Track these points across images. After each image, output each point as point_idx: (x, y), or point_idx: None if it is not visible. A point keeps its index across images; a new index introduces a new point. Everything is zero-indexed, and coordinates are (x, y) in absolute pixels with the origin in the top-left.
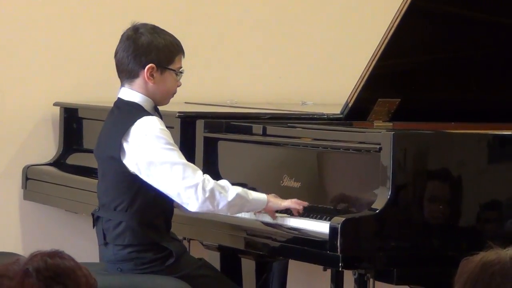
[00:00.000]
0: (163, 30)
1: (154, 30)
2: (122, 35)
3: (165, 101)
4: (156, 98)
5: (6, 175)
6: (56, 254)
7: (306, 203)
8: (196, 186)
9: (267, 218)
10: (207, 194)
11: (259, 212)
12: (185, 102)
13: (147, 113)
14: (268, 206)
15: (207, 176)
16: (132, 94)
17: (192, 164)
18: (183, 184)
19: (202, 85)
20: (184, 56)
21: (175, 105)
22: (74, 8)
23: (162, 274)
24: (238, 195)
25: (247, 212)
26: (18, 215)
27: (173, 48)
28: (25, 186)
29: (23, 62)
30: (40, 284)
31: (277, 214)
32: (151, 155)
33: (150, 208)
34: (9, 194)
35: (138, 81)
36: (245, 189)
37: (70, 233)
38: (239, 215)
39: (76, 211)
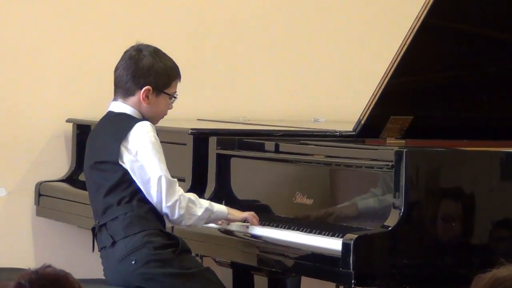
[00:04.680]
0: (164, 54)
1: (156, 53)
2: (125, 53)
3: (154, 121)
4: (146, 117)
5: (19, 191)
6: (45, 266)
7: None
8: (175, 203)
9: (278, 235)
10: (182, 211)
11: (220, 222)
12: (198, 119)
13: (140, 119)
14: (228, 217)
15: (182, 191)
16: (123, 107)
17: (173, 180)
18: (165, 201)
19: (214, 102)
20: (180, 81)
21: (188, 122)
22: (87, 24)
23: (174, 264)
24: (206, 209)
25: (210, 223)
26: (30, 231)
27: (171, 73)
28: (37, 202)
29: (36, 78)
30: None
31: (291, 231)
32: (144, 166)
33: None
34: (22, 210)
35: (133, 99)
36: (209, 201)
37: (82, 249)
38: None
39: (89, 227)
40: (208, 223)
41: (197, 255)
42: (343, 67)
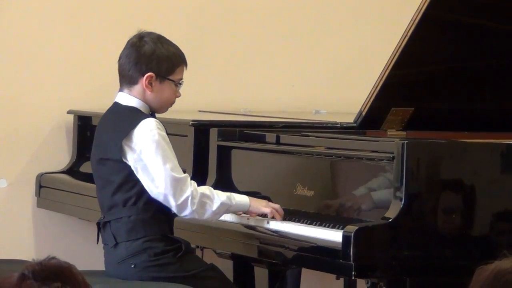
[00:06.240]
0: (168, 41)
1: (159, 40)
2: (128, 42)
3: (162, 110)
4: (153, 106)
5: (20, 182)
6: (49, 258)
7: (281, 214)
8: (186, 200)
9: (279, 226)
10: (195, 207)
11: (241, 213)
12: (199, 111)
13: (146, 116)
14: (249, 209)
15: (194, 186)
16: (130, 99)
17: (182, 176)
18: (174, 199)
19: (215, 94)
20: (186, 68)
21: (189, 113)
22: (87, 16)
23: (174, 268)
24: (222, 204)
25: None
26: (31, 223)
27: (175, 59)
28: (38, 194)
29: (37, 70)
30: (38, 284)
31: (292, 223)
32: (148, 165)
33: (156, 200)
34: (23, 202)
35: (137, 88)
36: (229, 194)
37: (83, 241)
38: (253, 223)
39: (90, 219)
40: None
41: (197, 246)
42: (344, 58)
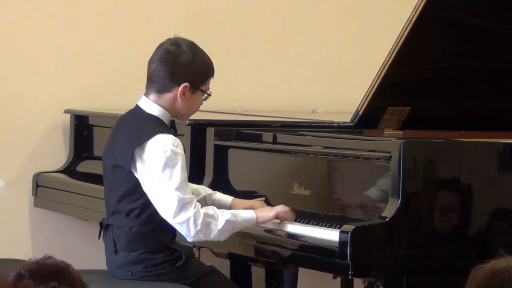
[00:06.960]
0: (201, 49)
1: (195, 49)
2: (161, 46)
3: (186, 118)
4: (179, 114)
5: (17, 182)
6: (46, 257)
7: (293, 214)
8: (187, 221)
9: (276, 226)
10: (198, 227)
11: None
12: None
13: (164, 129)
14: (258, 222)
15: (198, 207)
16: (153, 107)
17: (187, 197)
18: (176, 220)
19: (212, 93)
20: (212, 78)
21: None
22: (85, 15)
23: (172, 277)
24: (227, 222)
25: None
26: (28, 222)
27: (208, 70)
28: (35, 193)
29: (33, 69)
30: (35, 283)
31: (289, 222)
32: (155, 180)
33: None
34: (20, 201)
35: (168, 96)
36: (233, 212)
37: (80, 240)
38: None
39: (86, 218)
40: (235, 231)
41: (194, 246)
42: (341, 58)
